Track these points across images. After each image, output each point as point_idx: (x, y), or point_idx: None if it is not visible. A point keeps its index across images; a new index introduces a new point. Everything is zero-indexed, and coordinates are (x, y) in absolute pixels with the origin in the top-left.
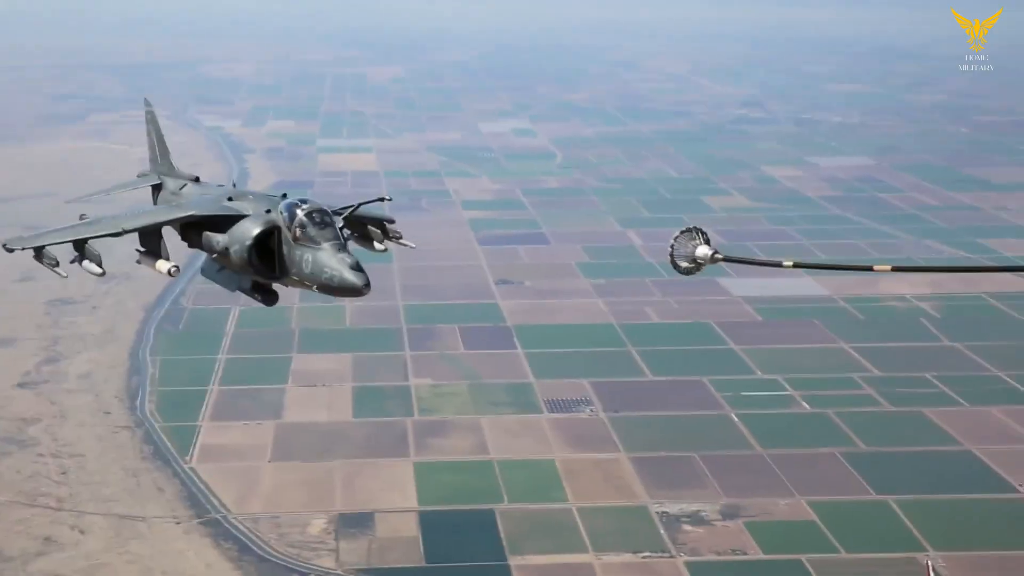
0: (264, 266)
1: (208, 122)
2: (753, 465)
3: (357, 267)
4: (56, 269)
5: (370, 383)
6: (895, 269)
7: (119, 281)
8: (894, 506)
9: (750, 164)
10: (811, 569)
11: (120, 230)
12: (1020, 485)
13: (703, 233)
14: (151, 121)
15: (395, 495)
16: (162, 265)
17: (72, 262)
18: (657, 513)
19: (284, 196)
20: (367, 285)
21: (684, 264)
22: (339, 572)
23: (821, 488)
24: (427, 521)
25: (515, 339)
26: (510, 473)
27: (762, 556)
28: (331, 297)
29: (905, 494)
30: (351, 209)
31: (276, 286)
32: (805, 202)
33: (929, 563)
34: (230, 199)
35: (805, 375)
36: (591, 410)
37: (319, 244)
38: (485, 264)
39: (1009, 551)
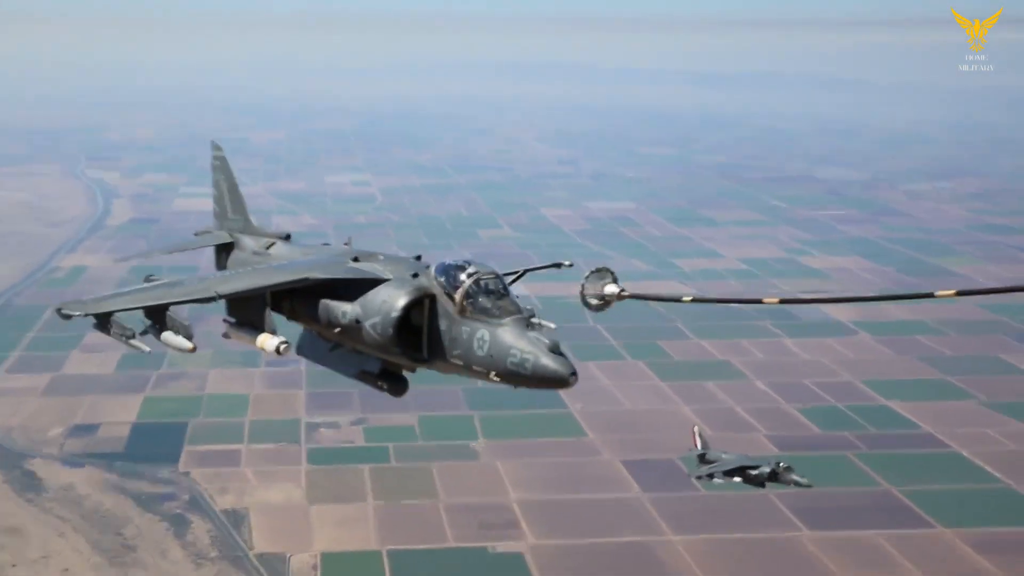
0: (408, 346)
1: (92, 174)
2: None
3: (557, 349)
4: (133, 342)
5: (142, 354)
6: (782, 302)
7: None
8: (476, 421)
9: (531, 206)
10: (393, 453)
11: (213, 295)
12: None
13: (612, 273)
14: (221, 168)
15: (122, 414)
16: (267, 341)
17: (143, 333)
18: (306, 422)
19: (419, 258)
20: (574, 374)
21: (594, 301)
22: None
23: (434, 407)
24: (137, 429)
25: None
26: (212, 403)
27: (363, 444)
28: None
29: (487, 410)
30: (518, 275)
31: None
32: (557, 232)
33: (696, 429)
34: (355, 259)
35: None
36: (295, 364)
37: (498, 319)
38: None
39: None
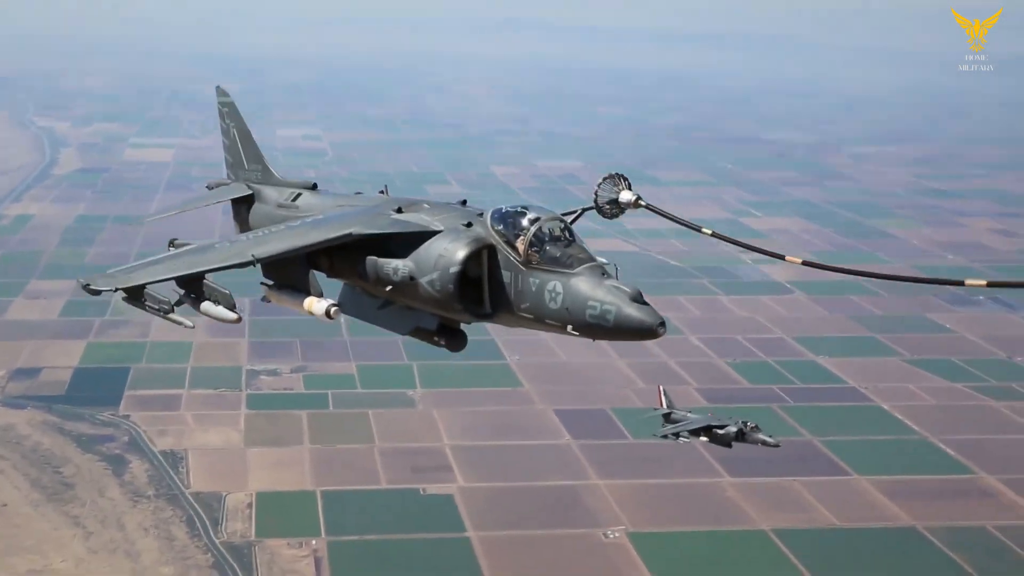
0: (469, 300)
1: (41, 123)
2: (334, 344)
3: (640, 298)
4: (171, 316)
5: (86, 298)
6: (804, 263)
7: None
8: (415, 371)
9: (481, 164)
10: (332, 400)
11: (251, 258)
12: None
13: (626, 179)
14: (230, 114)
15: (64, 360)
16: (315, 305)
17: (177, 304)
18: (247, 370)
19: (464, 203)
20: (662, 324)
21: (608, 208)
22: None
23: (374, 357)
24: (78, 373)
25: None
26: (155, 350)
27: (303, 391)
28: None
29: (426, 360)
30: (577, 215)
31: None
32: (504, 189)
33: (661, 388)
34: (399, 210)
35: None
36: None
37: (570, 268)
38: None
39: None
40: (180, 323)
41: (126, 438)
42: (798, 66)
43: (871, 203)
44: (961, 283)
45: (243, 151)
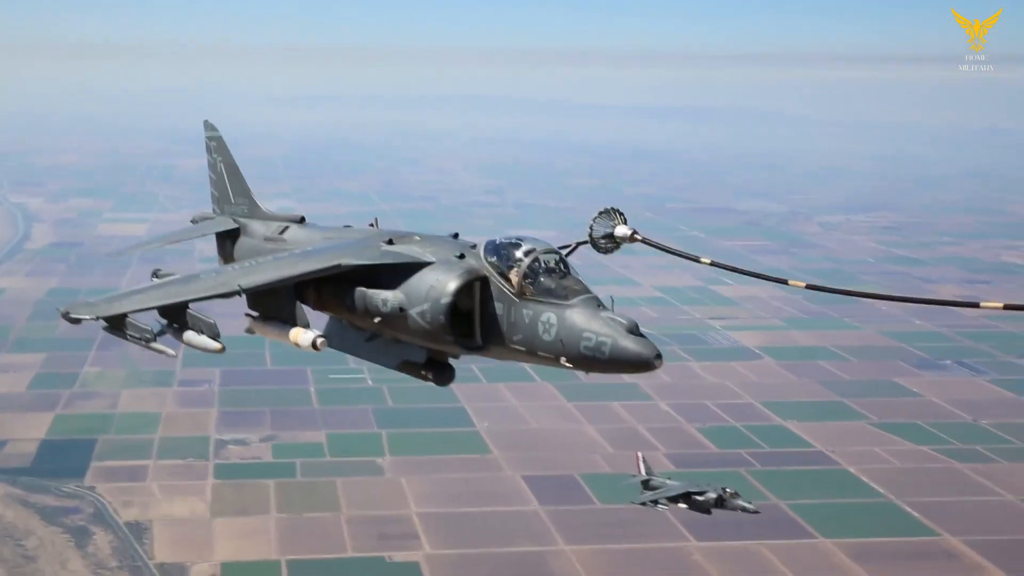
0: (459, 333)
1: (14, 199)
2: (304, 413)
3: (636, 330)
4: (154, 345)
5: (54, 371)
6: (808, 287)
7: None
8: (384, 439)
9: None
10: (300, 469)
11: (236, 288)
12: None
13: (621, 214)
14: (218, 149)
15: (31, 432)
16: (301, 336)
17: (160, 334)
18: (215, 439)
19: (456, 236)
20: (659, 357)
21: (603, 242)
22: None
23: (344, 426)
24: (45, 445)
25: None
26: (123, 421)
27: (271, 460)
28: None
29: (395, 428)
30: (572, 249)
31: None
32: None
33: (639, 455)
34: (389, 242)
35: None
36: (209, 384)
37: (565, 300)
38: None
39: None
40: (162, 352)
41: (91, 510)
42: (770, 138)
43: (840, 271)
44: (976, 305)
45: (230, 185)
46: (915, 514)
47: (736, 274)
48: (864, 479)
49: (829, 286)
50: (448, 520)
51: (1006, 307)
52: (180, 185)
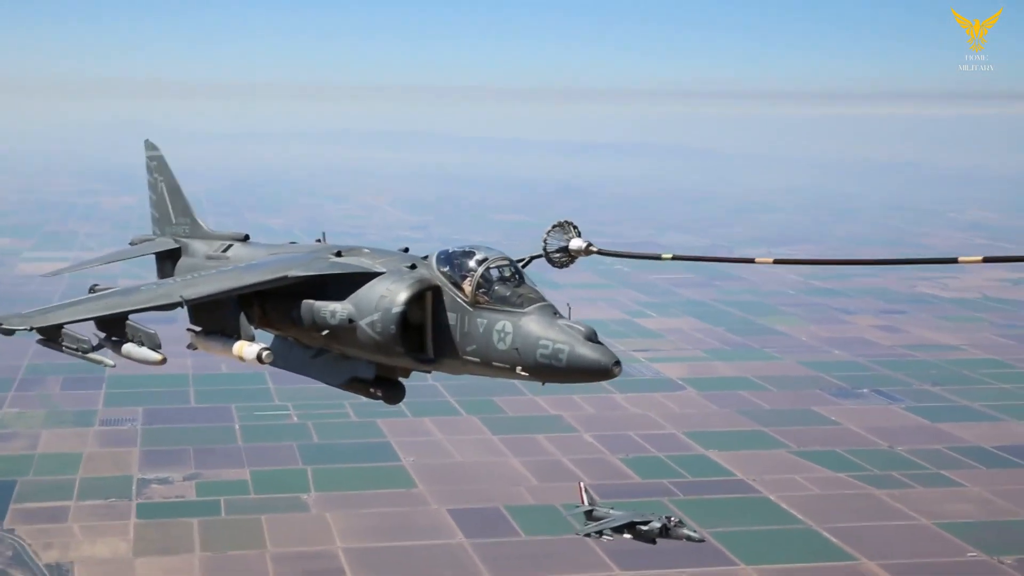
0: (412, 347)
1: None
2: (229, 451)
3: (594, 337)
4: (92, 356)
5: None
6: (776, 261)
7: None
8: (310, 475)
9: None
10: (224, 507)
11: (178, 300)
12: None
13: (575, 227)
14: (159, 168)
15: None
16: (245, 349)
17: (97, 347)
18: (138, 479)
19: (406, 250)
20: (617, 364)
21: (558, 257)
22: None
23: (269, 462)
24: None
25: (104, 383)
26: (43, 462)
27: (195, 498)
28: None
29: (321, 464)
30: (527, 262)
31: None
32: None
33: (582, 485)
34: (338, 254)
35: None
36: (131, 423)
37: (520, 308)
38: None
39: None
40: (100, 362)
41: (10, 552)
42: (695, 173)
43: (761, 303)
44: (955, 260)
45: (171, 205)
46: (833, 539)
47: (698, 264)
48: (784, 506)
49: (795, 258)
50: (373, 555)
51: (985, 260)
52: (102, 223)
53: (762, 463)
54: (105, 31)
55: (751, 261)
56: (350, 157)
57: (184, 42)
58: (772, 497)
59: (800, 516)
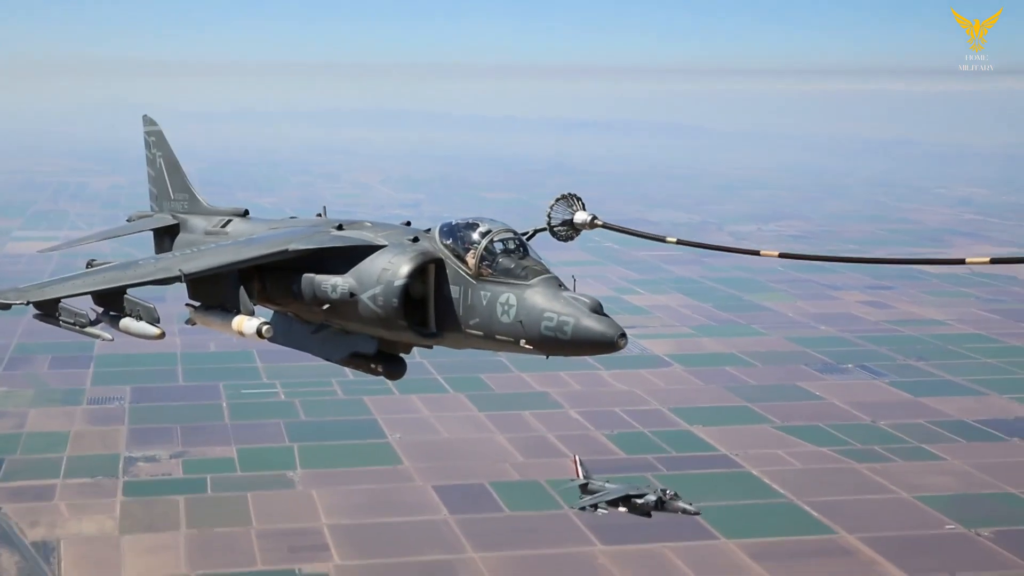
0: (414, 321)
1: None
2: (216, 428)
3: (600, 309)
4: (90, 330)
5: None
6: (782, 255)
7: None
8: (296, 452)
9: None
10: (210, 484)
11: (177, 274)
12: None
13: (580, 199)
14: (157, 144)
15: None
16: (245, 324)
17: (95, 323)
18: (125, 457)
19: (408, 223)
20: (623, 336)
21: (561, 229)
22: None
23: (255, 440)
24: None
25: (92, 362)
26: (30, 440)
27: (181, 476)
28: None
29: (307, 441)
30: (531, 235)
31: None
32: None
33: (576, 458)
34: (339, 227)
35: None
36: (119, 401)
37: (524, 280)
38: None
39: None
40: (98, 336)
41: None
42: (684, 150)
43: (748, 279)
44: (962, 261)
45: (169, 181)
46: (814, 513)
47: (694, 251)
48: (766, 481)
49: (802, 254)
50: (358, 531)
51: (992, 261)
52: (91, 203)
53: (746, 438)
54: (96, 9)
55: (756, 253)
56: (341, 136)
57: (175, 21)
58: (755, 472)
59: (782, 490)
